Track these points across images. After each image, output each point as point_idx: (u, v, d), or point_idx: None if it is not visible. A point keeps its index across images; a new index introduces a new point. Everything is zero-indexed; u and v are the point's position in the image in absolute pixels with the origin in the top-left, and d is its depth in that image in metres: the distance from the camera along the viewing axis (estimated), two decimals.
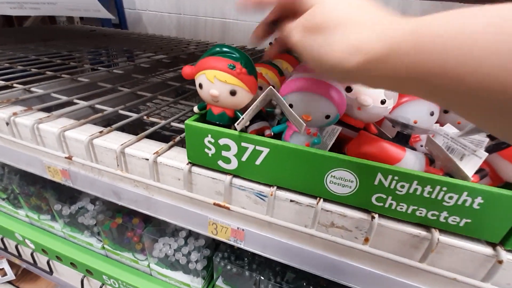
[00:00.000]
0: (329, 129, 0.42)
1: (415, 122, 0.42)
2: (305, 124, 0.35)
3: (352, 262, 0.43)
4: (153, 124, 0.60)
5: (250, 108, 0.36)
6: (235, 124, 0.38)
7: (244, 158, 0.41)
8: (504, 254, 0.34)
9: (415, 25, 0.20)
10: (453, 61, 0.18)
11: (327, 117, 0.36)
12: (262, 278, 0.61)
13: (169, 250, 0.69)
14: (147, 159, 0.48)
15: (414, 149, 0.37)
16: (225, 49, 0.39)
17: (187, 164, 0.46)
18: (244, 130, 0.42)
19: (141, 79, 0.90)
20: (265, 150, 0.39)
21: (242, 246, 0.51)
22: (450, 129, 0.40)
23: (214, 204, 0.46)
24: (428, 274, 0.39)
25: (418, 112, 0.42)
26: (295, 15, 0.30)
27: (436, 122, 0.45)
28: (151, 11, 2.26)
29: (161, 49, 1.34)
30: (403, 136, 0.38)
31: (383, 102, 0.39)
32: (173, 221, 0.54)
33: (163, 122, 0.60)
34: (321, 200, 0.40)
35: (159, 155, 0.48)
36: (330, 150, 0.38)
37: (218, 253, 0.66)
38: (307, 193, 0.41)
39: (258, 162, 0.41)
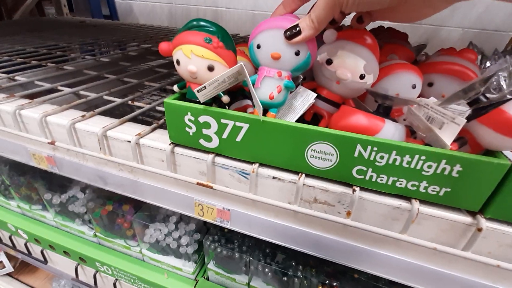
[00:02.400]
0: (303, 94, 0.41)
1: (397, 95, 0.41)
2: (261, 110, 0.34)
3: (336, 238, 0.43)
4: (139, 109, 0.59)
5: (214, 79, 0.35)
6: (195, 90, 0.37)
7: (225, 136, 0.41)
8: (483, 222, 0.34)
9: None
10: None
11: (297, 53, 0.35)
12: (252, 259, 0.62)
13: (159, 235, 0.69)
14: (129, 141, 0.47)
15: (395, 121, 0.37)
16: (202, 23, 0.38)
17: (170, 144, 0.46)
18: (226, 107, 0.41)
19: (128, 66, 0.88)
20: (245, 126, 0.39)
21: (228, 226, 0.51)
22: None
23: (198, 183, 0.46)
24: (409, 245, 0.39)
25: (400, 85, 0.41)
26: None
27: (420, 96, 0.44)
28: (142, 1, 2.22)
29: (150, 38, 1.32)
30: (384, 108, 0.38)
31: (362, 77, 0.38)
32: (159, 204, 0.54)
33: (147, 106, 0.59)
34: (303, 175, 0.40)
35: (141, 137, 0.48)
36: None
37: (208, 236, 0.67)
38: (290, 169, 0.41)
39: (238, 138, 0.40)
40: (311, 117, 0.45)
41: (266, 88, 0.38)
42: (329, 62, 0.40)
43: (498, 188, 0.32)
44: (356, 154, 0.35)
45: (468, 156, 0.31)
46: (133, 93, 0.68)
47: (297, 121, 0.39)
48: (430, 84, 0.45)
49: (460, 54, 0.44)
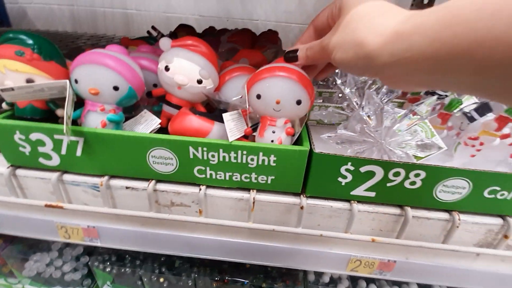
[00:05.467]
0: (148, 118, 0.42)
1: (242, 97, 0.45)
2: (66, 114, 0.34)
3: (200, 236, 0.45)
4: None
5: (28, 84, 0.34)
6: None
7: (63, 152, 0.39)
8: (304, 201, 0.40)
9: (434, 9, 0.21)
10: (484, 29, 0.17)
11: (116, 88, 0.36)
12: (144, 271, 0.60)
13: (40, 266, 0.62)
14: None
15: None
16: (18, 36, 0.36)
17: (8, 167, 0.42)
18: None
19: None
20: (80, 140, 0.38)
21: (99, 244, 0.48)
22: None
23: (46, 205, 0.43)
24: (255, 231, 0.43)
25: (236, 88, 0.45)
26: None
27: None
28: (36, 3, 1.94)
29: None
30: (219, 111, 0.41)
31: (199, 81, 0.41)
32: (19, 234, 0.49)
33: None
34: (153, 181, 0.41)
35: None
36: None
37: (95, 257, 0.62)
38: (140, 177, 0.41)
39: (78, 153, 0.39)
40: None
41: (91, 122, 0.38)
42: (167, 68, 0.41)
43: (308, 170, 0.38)
44: (191, 156, 0.38)
45: (277, 147, 0.36)
46: None
47: None
48: None
49: None
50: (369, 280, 0.70)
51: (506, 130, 0.35)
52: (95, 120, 0.37)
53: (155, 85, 0.46)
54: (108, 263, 0.62)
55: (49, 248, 0.65)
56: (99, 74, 0.35)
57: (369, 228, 0.42)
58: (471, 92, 0.25)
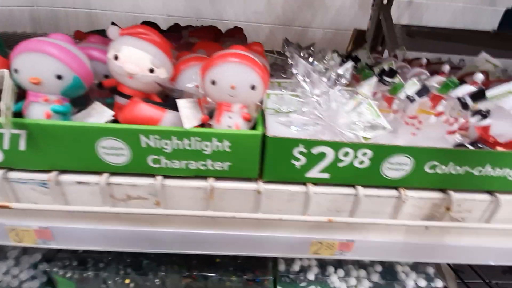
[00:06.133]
0: (99, 110, 0.41)
1: (197, 87, 0.45)
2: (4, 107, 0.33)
3: (162, 229, 0.44)
4: None
5: None
6: None
7: (5, 146, 0.37)
8: (261, 186, 0.40)
9: None
10: None
11: (59, 77, 0.35)
12: (108, 274, 0.58)
13: None
14: None
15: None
16: None
17: None
18: None
19: None
20: (23, 133, 0.36)
21: (54, 246, 0.46)
22: None
23: None
24: (218, 221, 0.43)
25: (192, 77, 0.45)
26: None
27: None
28: None
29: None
30: (173, 100, 0.41)
31: (151, 70, 0.40)
32: None
33: None
34: (106, 174, 0.40)
35: None
36: None
37: (54, 263, 0.59)
38: (92, 171, 0.40)
39: (22, 147, 0.37)
40: None
41: (34, 114, 0.36)
42: (116, 57, 0.40)
43: (263, 155, 0.39)
44: (143, 145, 0.37)
45: (230, 132, 0.37)
46: None
47: None
48: None
49: (249, 47, 0.51)
50: (336, 266, 0.72)
51: (440, 108, 0.38)
52: (39, 112, 0.36)
53: (106, 76, 0.45)
54: (69, 269, 0.59)
55: (5, 257, 0.61)
56: (40, 63, 0.34)
57: (327, 210, 0.44)
58: None
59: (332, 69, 0.43)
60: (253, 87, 0.38)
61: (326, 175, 0.40)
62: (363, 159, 0.39)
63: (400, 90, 0.43)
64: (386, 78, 0.48)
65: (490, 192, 0.43)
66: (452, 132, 0.39)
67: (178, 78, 0.45)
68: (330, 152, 0.38)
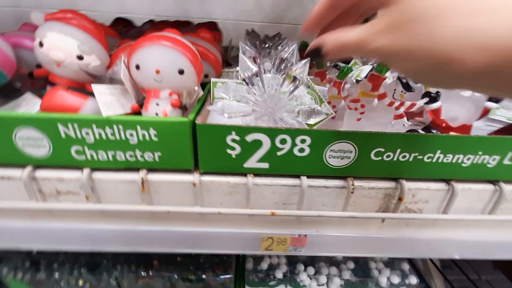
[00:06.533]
0: (30, 101, 0.39)
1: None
2: None
3: (98, 226, 0.42)
4: None
5: None
6: None
7: None
8: (197, 177, 0.38)
9: None
10: None
11: None
12: (60, 274, 0.55)
13: None
14: None
15: None
16: None
17: None
18: None
19: None
20: None
21: None
22: None
23: None
24: (157, 216, 0.41)
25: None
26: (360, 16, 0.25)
27: None
28: None
29: None
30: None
31: (80, 57, 0.38)
32: None
33: None
34: (28, 168, 0.37)
35: None
36: None
37: (4, 264, 0.57)
38: (14, 164, 0.37)
39: None
40: None
41: None
42: (41, 44, 0.38)
43: (196, 144, 0.36)
44: (63, 135, 0.34)
45: (155, 119, 0.34)
46: None
47: None
48: None
49: (196, 34, 0.49)
50: (308, 263, 0.70)
51: (381, 90, 0.35)
52: None
53: (39, 66, 0.43)
54: (20, 270, 0.57)
55: None
56: None
57: (273, 203, 0.41)
58: None
59: (277, 56, 0.41)
60: (181, 72, 0.35)
61: (265, 165, 0.38)
62: (302, 146, 0.36)
63: (348, 74, 0.40)
64: (339, 63, 0.45)
65: (446, 181, 0.41)
66: (399, 116, 0.37)
67: (116, 66, 0.43)
68: (266, 140, 0.35)
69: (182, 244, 0.43)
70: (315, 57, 0.27)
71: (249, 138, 0.35)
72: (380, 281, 0.67)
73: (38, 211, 0.41)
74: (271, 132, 0.35)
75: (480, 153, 0.37)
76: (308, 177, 0.39)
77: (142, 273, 0.57)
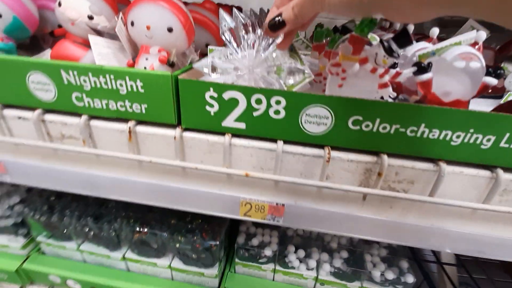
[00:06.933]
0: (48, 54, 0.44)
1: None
2: None
3: (96, 172, 0.46)
4: None
5: None
6: None
7: None
8: (178, 132, 0.40)
9: None
10: None
11: None
12: (69, 220, 0.62)
13: None
14: None
15: None
16: None
17: None
18: None
19: None
20: None
21: (9, 180, 0.51)
22: None
23: None
24: (144, 165, 0.44)
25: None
26: None
27: None
28: None
29: None
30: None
31: (91, 17, 0.42)
32: None
33: None
34: (39, 110, 0.42)
35: None
36: None
37: (27, 205, 0.65)
38: (27, 106, 0.43)
39: None
40: None
41: None
42: (60, 4, 0.43)
43: (179, 99, 0.39)
44: (65, 81, 0.39)
45: (141, 72, 0.37)
46: None
47: None
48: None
49: (201, 4, 0.51)
50: (300, 246, 0.69)
51: (363, 54, 0.34)
52: None
53: (60, 26, 0.48)
54: (38, 213, 0.65)
55: None
56: None
57: (251, 166, 0.42)
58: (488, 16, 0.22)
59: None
60: (170, 30, 0.38)
61: (242, 125, 0.39)
62: (277, 108, 0.36)
63: (337, 43, 0.40)
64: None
65: (434, 161, 0.38)
66: (383, 86, 0.35)
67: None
68: (242, 99, 0.36)
69: (164, 199, 0.46)
70: (276, 28, 0.31)
71: (226, 95, 0.37)
72: (373, 275, 0.64)
73: (47, 151, 0.46)
74: (247, 91, 0.36)
75: (471, 130, 0.34)
76: (285, 142, 0.40)
77: (139, 228, 0.61)
